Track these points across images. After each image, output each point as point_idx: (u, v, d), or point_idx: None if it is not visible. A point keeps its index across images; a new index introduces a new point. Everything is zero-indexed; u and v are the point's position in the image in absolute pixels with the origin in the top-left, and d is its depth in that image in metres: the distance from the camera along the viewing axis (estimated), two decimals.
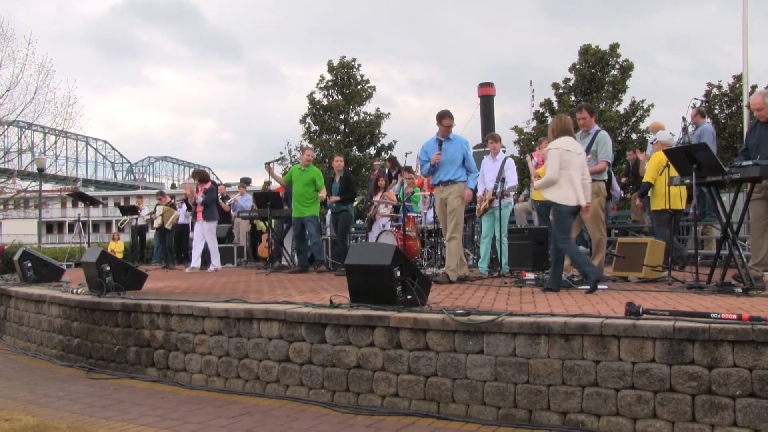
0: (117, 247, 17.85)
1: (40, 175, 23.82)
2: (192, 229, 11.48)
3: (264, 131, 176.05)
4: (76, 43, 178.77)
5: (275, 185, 11.37)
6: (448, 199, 6.98)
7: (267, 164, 10.08)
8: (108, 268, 6.44)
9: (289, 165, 26.64)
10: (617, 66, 25.59)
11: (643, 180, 7.96)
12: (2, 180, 25.00)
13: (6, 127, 23.06)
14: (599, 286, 6.07)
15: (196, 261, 10.62)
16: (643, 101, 25.34)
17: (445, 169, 6.99)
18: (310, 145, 25.93)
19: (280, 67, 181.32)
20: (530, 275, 6.80)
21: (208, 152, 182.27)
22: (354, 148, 28.54)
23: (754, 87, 16.62)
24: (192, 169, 12.78)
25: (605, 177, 6.95)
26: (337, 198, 9.51)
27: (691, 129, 9.06)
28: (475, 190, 7.65)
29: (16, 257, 8.91)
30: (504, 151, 11.59)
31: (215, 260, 10.58)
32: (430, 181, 7.66)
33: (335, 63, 29.37)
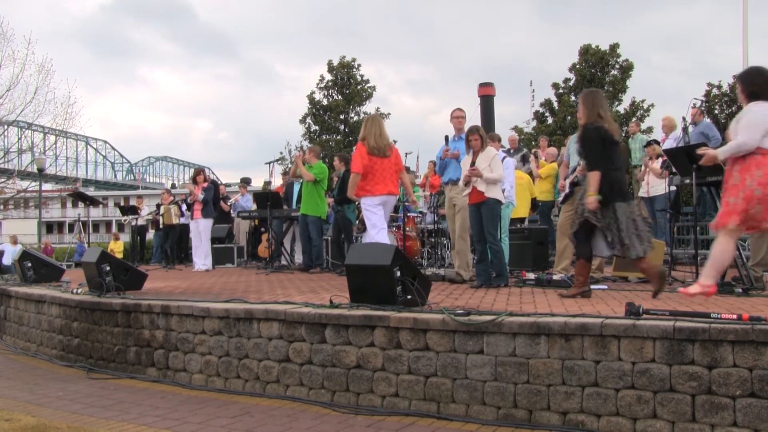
0: (117, 247, 17.85)
1: (40, 175, 23.84)
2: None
3: (261, 131, 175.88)
4: (68, 43, 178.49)
5: (275, 185, 11.38)
6: (456, 198, 7.00)
7: (298, 157, 10.18)
8: (108, 268, 6.44)
9: (289, 165, 26.67)
10: (617, 66, 25.62)
11: None
12: (2, 180, 25.00)
13: (6, 127, 23.07)
14: (599, 287, 6.09)
15: (207, 259, 10.60)
16: (643, 101, 25.38)
17: (454, 168, 7.03)
18: (311, 145, 25.96)
19: (275, 66, 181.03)
20: (530, 275, 6.80)
21: (206, 152, 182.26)
22: (354, 148, 28.55)
23: None
24: (193, 169, 12.83)
25: None
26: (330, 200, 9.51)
27: (691, 128, 9.07)
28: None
29: (15, 257, 8.92)
30: (511, 151, 11.63)
31: (207, 260, 10.58)
32: (438, 180, 7.73)
33: (335, 63, 29.41)
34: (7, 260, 17.26)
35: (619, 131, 5.40)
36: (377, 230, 6.44)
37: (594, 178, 5.13)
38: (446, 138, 7.20)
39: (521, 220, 9.75)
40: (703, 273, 4.55)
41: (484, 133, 6.65)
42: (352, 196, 6.55)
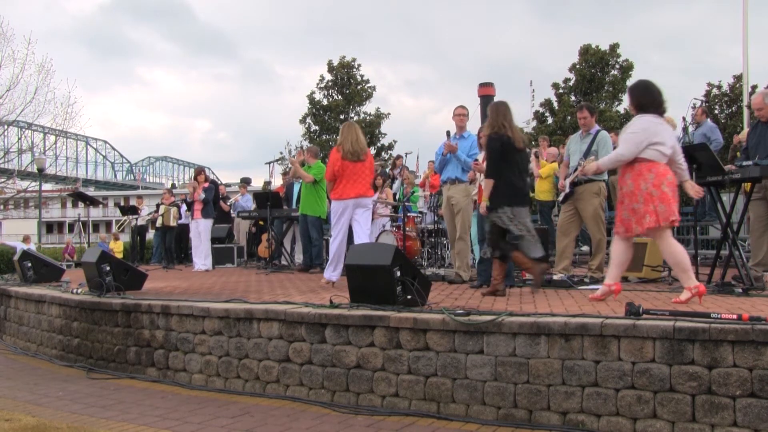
0: (117, 247, 17.84)
1: (40, 175, 23.82)
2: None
3: (259, 130, 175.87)
4: (66, 42, 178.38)
5: (275, 185, 11.38)
6: (455, 198, 6.99)
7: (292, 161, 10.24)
8: (108, 268, 6.44)
9: (289, 165, 26.70)
10: (617, 66, 25.63)
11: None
12: (2, 180, 24.99)
13: (6, 127, 23.06)
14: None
15: (207, 259, 10.59)
16: None
17: (453, 166, 7.02)
18: (309, 145, 26.02)
19: (273, 66, 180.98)
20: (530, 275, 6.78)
21: (205, 152, 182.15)
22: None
23: (754, 87, 16.64)
24: (193, 169, 12.85)
25: (606, 177, 6.96)
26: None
27: (692, 129, 9.07)
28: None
29: (16, 257, 8.91)
30: None
31: (207, 260, 10.57)
32: (439, 178, 7.73)
33: (335, 63, 29.41)
34: None
35: (522, 139, 5.71)
36: (337, 238, 6.83)
37: (487, 185, 5.61)
38: (448, 133, 7.19)
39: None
40: (681, 280, 4.75)
41: None
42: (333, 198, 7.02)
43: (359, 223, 6.91)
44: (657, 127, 4.73)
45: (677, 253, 4.65)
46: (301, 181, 9.64)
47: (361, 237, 6.85)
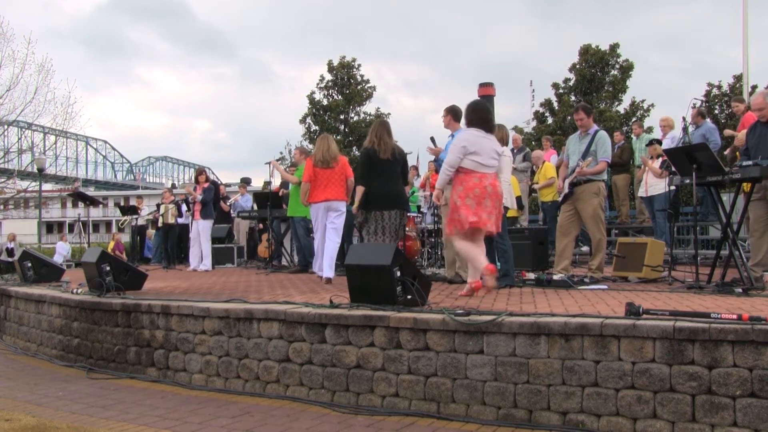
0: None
1: (40, 175, 23.87)
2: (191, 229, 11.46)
3: (259, 130, 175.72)
4: (64, 42, 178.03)
5: (275, 185, 11.39)
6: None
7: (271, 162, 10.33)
8: (108, 268, 6.44)
9: (289, 165, 26.70)
10: (617, 66, 25.64)
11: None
12: (2, 180, 25.01)
13: (6, 127, 23.09)
14: (599, 287, 6.09)
15: (207, 259, 10.58)
16: (643, 101, 25.40)
17: None
18: (301, 146, 26.07)
19: (272, 65, 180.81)
20: (530, 275, 6.79)
21: (205, 152, 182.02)
22: (354, 148, 28.59)
23: (754, 87, 16.64)
24: (193, 169, 12.87)
25: (605, 177, 6.96)
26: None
27: (691, 129, 9.08)
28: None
29: (16, 257, 8.92)
30: (514, 150, 11.66)
31: (207, 260, 10.56)
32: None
33: (335, 63, 29.42)
34: (59, 258, 17.67)
35: (393, 150, 6.71)
36: (316, 239, 7.63)
37: (358, 192, 6.69)
38: (432, 139, 7.34)
39: (513, 220, 9.68)
40: (468, 274, 5.54)
41: (505, 133, 6.75)
42: (303, 203, 7.71)
43: (333, 225, 7.48)
44: (477, 140, 5.37)
45: (468, 252, 5.42)
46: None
47: (333, 239, 7.45)
